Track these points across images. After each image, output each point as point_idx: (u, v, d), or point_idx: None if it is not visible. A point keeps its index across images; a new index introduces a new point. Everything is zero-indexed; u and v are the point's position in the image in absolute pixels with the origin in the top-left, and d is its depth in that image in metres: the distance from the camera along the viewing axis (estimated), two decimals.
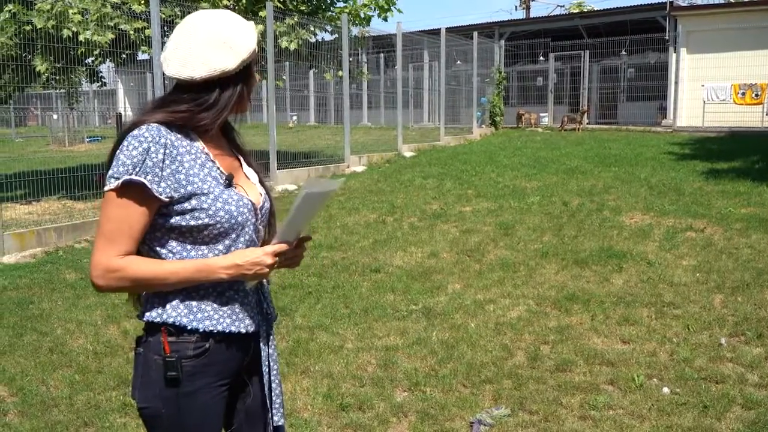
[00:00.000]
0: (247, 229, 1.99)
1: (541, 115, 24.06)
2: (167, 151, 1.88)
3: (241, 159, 2.14)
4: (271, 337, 2.12)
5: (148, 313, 1.97)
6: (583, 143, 16.83)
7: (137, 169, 1.84)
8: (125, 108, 20.86)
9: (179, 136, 1.94)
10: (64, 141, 21.05)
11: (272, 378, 2.09)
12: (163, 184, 1.86)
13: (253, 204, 2.01)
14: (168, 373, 1.92)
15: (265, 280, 2.12)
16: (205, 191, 1.92)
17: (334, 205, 10.31)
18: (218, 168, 1.98)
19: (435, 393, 4.41)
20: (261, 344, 2.08)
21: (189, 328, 1.94)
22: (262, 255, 1.90)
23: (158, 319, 1.94)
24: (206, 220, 1.91)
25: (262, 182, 2.14)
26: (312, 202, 1.90)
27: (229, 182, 1.97)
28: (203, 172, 1.94)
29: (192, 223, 1.91)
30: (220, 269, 1.90)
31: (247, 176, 2.11)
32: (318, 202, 1.95)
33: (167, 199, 1.87)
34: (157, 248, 1.95)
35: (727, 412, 4.04)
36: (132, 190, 1.85)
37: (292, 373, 4.71)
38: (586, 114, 21.79)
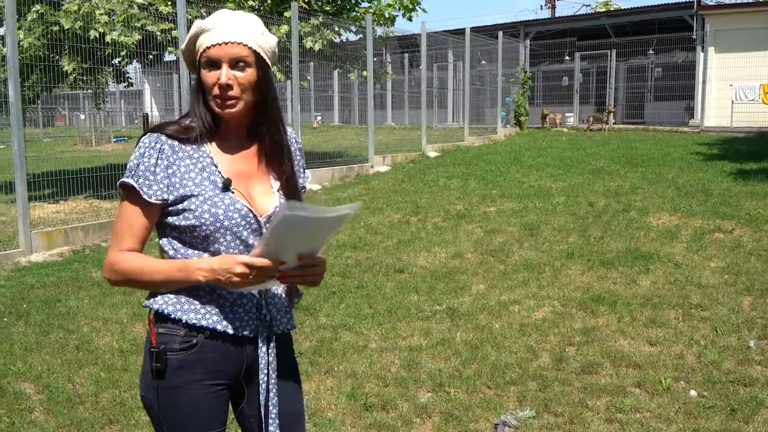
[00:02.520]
0: (239, 235, 1.97)
1: (567, 115, 23.89)
2: (162, 155, 1.96)
3: (269, 165, 2.08)
4: (272, 345, 2.06)
5: (145, 300, 2.04)
6: (610, 143, 16.69)
7: (131, 173, 1.96)
8: (152, 108, 21.03)
9: (184, 140, 1.99)
10: (91, 141, 21.24)
11: (270, 387, 2.04)
12: (154, 187, 1.94)
13: (250, 211, 1.98)
14: (153, 364, 1.97)
15: (276, 288, 2.07)
16: (196, 193, 1.95)
17: None
18: (219, 172, 2.00)
19: (459, 394, 4.39)
20: (259, 351, 2.03)
21: (173, 317, 1.96)
22: (234, 263, 1.85)
23: (148, 306, 2.01)
24: (193, 221, 1.95)
25: (291, 193, 2.09)
26: (297, 224, 1.79)
27: (226, 186, 1.97)
28: (201, 176, 1.98)
29: (183, 223, 1.96)
30: (198, 271, 1.90)
31: (271, 184, 2.07)
32: (312, 225, 1.83)
33: (158, 201, 1.95)
34: (167, 247, 2.01)
35: (756, 416, 3.99)
36: (129, 192, 1.97)
37: (316, 373, 4.71)
38: (612, 114, 21.58)
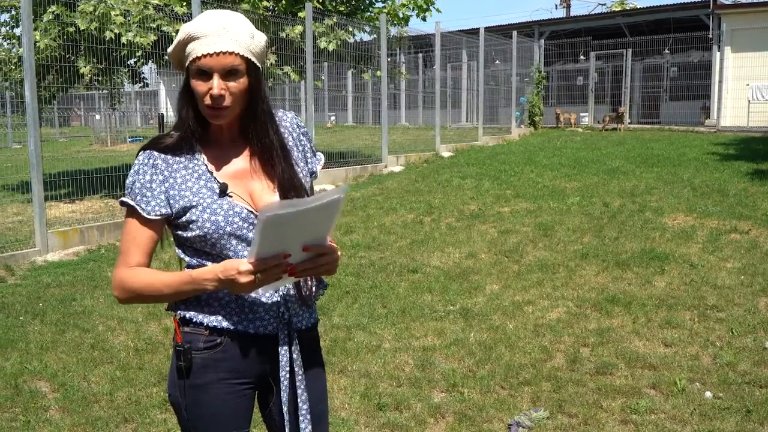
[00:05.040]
0: (245, 237, 1.96)
1: (581, 114, 23.79)
2: (156, 170, 1.98)
3: (265, 164, 2.05)
4: (294, 342, 2.04)
5: (167, 305, 2.07)
6: (625, 143, 16.62)
7: (129, 191, 1.98)
8: (167, 108, 21.13)
9: (178, 152, 2.00)
10: (106, 141, 21.36)
11: (298, 384, 2.04)
12: (153, 203, 1.96)
13: (251, 212, 1.97)
14: (178, 363, 1.98)
15: (290, 286, 2.04)
16: (194, 203, 1.95)
17: (371, 205, 10.32)
18: (215, 178, 1.99)
19: (473, 394, 4.38)
20: (280, 349, 2.02)
21: (194, 321, 1.98)
22: (236, 271, 1.81)
23: (172, 309, 2.03)
24: (197, 232, 1.95)
25: (291, 189, 2.04)
26: (284, 222, 1.74)
27: (223, 192, 1.97)
28: (198, 185, 1.97)
29: (189, 234, 1.97)
30: (205, 281, 1.89)
31: (269, 182, 2.04)
32: (302, 218, 1.77)
33: (158, 217, 1.96)
34: (183, 255, 2.02)
35: None
36: (130, 210, 1.99)
37: (330, 372, 4.71)
38: (622, 115, 21.45)
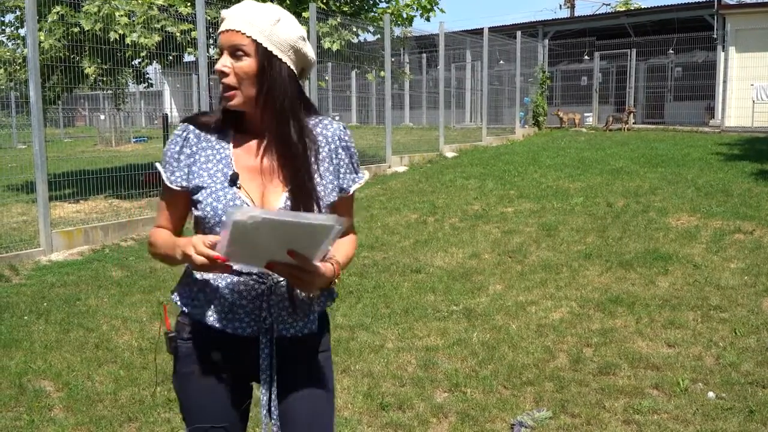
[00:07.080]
0: None
1: (585, 115, 23.76)
2: (186, 143, 2.02)
3: (283, 163, 1.99)
4: (274, 348, 2.01)
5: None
6: (629, 143, 16.58)
7: (162, 158, 2.05)
8: (171, 109, 21.16)
9: (211, 131, 2.04)
10: (111, 141, 21.40)
11: (272, 389, 2.02)
12: (177, 173, 2.01)
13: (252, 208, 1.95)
14: (169, 348, 2.09)
15: (283, 289, 2.00)
16: (205, 185, 1.98)
17: (375, 205, 10.33)
18: (232, 165, 2.00)
19: (475, 394, 4.39)
20: (260, 353, 2.00)
21: (183, 311, 2.07)
22: (190, 246, 1.81)
23: (170, 294, 2.12)
24: (200, 213, 1.98)
25: (299, 193, 1.98)
26: (254, 228, 1.68)
27: (233, 181, 1.97)
28: (217, 167, 2.00)
29: (197, 214, 2.01)
30: (177, 247, 1.91)
31: (283, 184, 1.99)
32: (282, 230, 1.71)
33: (179, 188, 2.01)
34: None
35: None
36: (161, 177, 2.06)
37: (333, 372, 4.71)
38: (632, 114, 21.45)
